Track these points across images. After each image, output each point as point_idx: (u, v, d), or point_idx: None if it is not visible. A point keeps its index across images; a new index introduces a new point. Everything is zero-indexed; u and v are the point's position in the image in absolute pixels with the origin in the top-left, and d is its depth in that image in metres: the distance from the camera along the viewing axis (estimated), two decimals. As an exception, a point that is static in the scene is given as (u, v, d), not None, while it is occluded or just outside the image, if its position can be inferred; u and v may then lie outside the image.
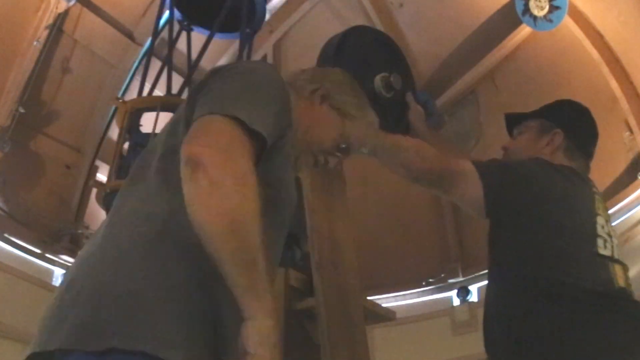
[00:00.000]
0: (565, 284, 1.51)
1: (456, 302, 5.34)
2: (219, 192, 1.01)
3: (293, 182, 1.36)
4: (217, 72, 1.25)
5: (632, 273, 1.65)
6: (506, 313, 1.59)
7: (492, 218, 1.66)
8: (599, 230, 1.63)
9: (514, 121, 1.93)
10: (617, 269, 1.60)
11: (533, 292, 1.53)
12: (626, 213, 4.29)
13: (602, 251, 1.60)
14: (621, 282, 1.58)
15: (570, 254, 1.56)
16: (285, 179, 1.30)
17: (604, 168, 4.43)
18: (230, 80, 1.20)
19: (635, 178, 4.35)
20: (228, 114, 1.09)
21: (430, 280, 5.45)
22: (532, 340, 1.50)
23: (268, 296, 1.05)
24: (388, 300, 5.18)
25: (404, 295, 5.47)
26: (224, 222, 1.01)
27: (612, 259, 1.61)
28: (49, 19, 4.69)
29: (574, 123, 1.86)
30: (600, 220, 1.66)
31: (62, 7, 4.67)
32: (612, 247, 1.64)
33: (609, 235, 1.65)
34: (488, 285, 1.72)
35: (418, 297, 5.50)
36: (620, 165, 4.49)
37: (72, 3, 4.67)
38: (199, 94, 1.20)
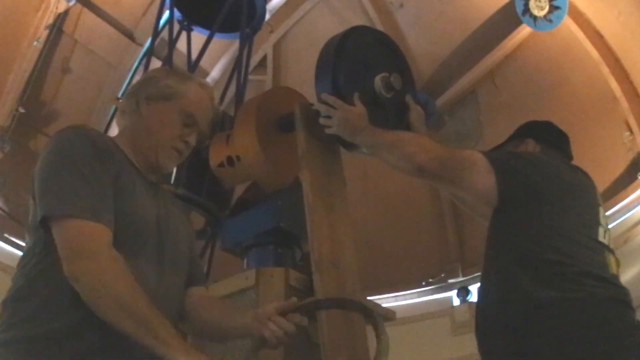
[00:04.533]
0: (563, 264, 1.54)
1: (456, 302, 5.33)
2: None
3: (141, 199, 1.40)
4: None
5: (632, 273, 1.69)
6: (502, 298, 1.59)
7: (502, 202, 1.64)
8: (601, 220, 1.69)
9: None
10: (612, 259, 1.65)
11: (530, 273, 1.54)
12: (626, 213, 4.28)
13: (601, 239, 1.65)
14: (614, 271, 1.64)
15: (572, 236, 1.60)
16: (133, 204, 1.36)
17: (604, 168, 4.43)
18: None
19: (635, 178, 4.34)
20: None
21: (430, 280, 5.44)
22: (527, 322, 1.51)
23: (176, 341, 1.18)
24: (388, 300, 5.18)
25: (404, 295, 5.46)
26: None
27: (608, 248, 1.66)
28: (49, 19, 4.69)
29: (539, 128, 1.96)
30: (601, 211, 1.72)
31: (62, 7, 4.67)
32: (609, 238, 1.70)
33: (607, 227, 1.72)
34: (482, 279, 1.71)
35: (418, 297, 5.49)
36: (620, 165, 4.48)
37: (72, 3, 4.67)
38: None
